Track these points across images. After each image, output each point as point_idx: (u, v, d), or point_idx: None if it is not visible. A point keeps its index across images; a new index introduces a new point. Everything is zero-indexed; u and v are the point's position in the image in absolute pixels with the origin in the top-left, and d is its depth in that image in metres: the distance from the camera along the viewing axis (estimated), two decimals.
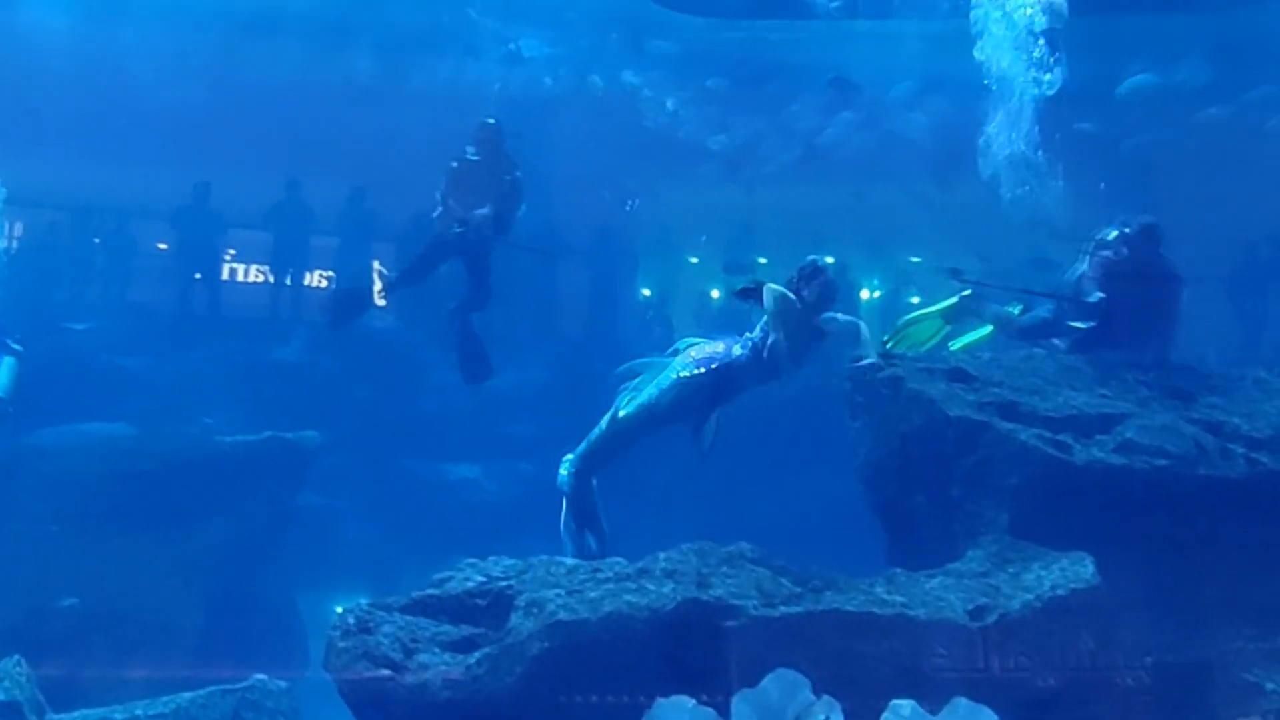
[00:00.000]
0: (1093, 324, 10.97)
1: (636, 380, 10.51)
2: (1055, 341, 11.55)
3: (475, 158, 14.08)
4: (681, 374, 10.27)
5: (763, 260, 22.29)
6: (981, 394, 9.98)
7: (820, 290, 10.17)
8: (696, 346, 10.44)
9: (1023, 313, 11.97)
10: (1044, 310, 11.68)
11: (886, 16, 18.93)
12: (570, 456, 10.74)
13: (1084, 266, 11.33)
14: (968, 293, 12.09)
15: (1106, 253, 11.09)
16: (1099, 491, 9.24)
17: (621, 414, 10.47)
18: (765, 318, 10.13)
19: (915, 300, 21.99)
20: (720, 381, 10.25)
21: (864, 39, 19.75)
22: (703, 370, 10.22)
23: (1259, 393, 10.32)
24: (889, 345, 11.97)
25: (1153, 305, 11.00)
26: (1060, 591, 8.29)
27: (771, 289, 10.05)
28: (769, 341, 10.07)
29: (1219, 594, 9.14)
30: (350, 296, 15.90)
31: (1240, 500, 9.31)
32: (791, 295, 10.07)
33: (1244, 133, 19.70)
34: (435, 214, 14.18)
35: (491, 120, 14.25)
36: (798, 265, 10.37)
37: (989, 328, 12.02)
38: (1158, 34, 19.47)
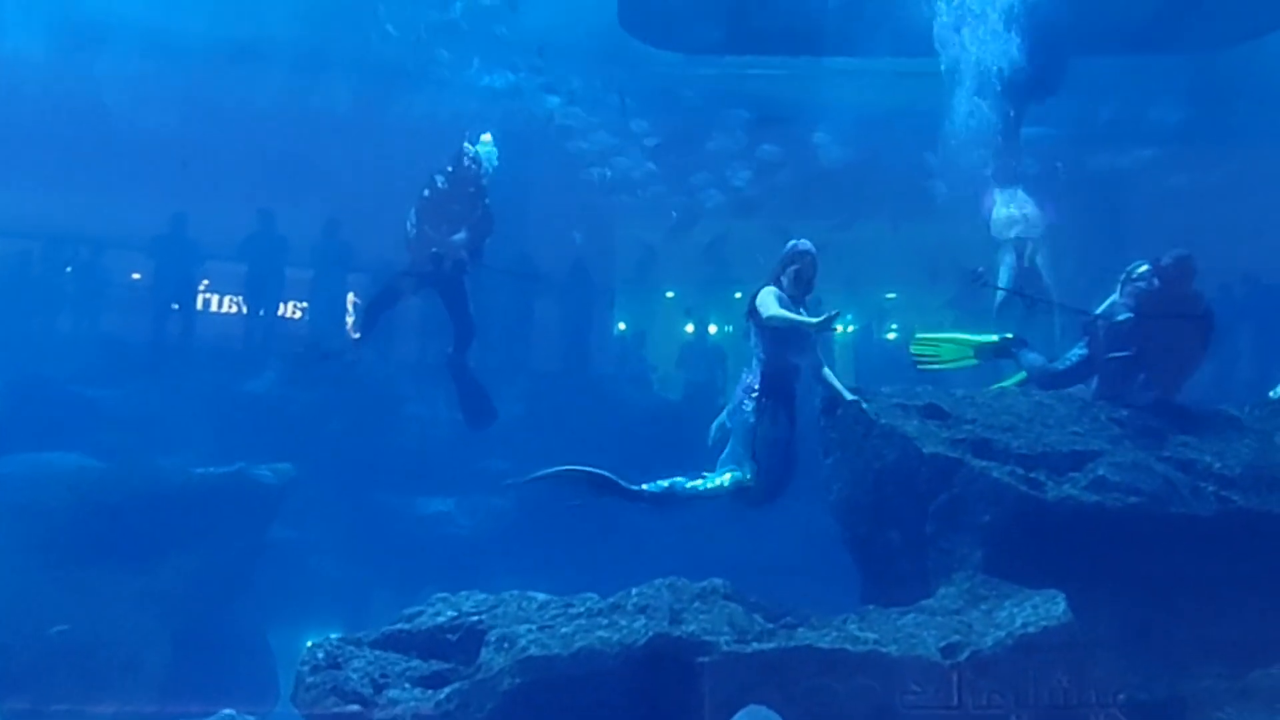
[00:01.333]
0: (1127, 353, 10.91)
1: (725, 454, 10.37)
2: (1081, 388, 11.55)
3: (449, 186, 14.03)
4: (750, 419, 10.20)
5: (738, 294, 22.34)
6: (955, 431, 10.01)
7: (794, 276, 10.23)
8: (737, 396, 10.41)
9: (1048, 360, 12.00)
10: (1074, 355, 11.64)
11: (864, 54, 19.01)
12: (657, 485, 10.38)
13: (1116, 297, 11.29)
14: (1010, 335, 12.14)
15: (1139, 284, 11.06)
16: (1071, 529, 9.28)
17: (728, 481, 10.22)
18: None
19: (891, 335, 22.08)
20: (776, 394, 10.22)
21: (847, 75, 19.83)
22: (755, 397, 10.19)
23: (1230, 431, 10.37)
24: (912, 348, 12.15)
25: (1184, 338, 10.96)
26: (1032, 629, 8.30)
27: (761, 298, 10.11)
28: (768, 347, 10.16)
29: (1191, 631, 9.18)
30: (325, 352, 15.73)
31: (1211, 538, 9.35)
32: (772, 294, 10.10)
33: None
34: (409, 238, 14.05)
35: (471, 148, 14.23)
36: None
37: (1023, 374, 11.99)
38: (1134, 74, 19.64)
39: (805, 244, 10.39)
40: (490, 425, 15.25)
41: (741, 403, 10.23)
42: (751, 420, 10.12)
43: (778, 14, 18.53)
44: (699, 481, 10.24)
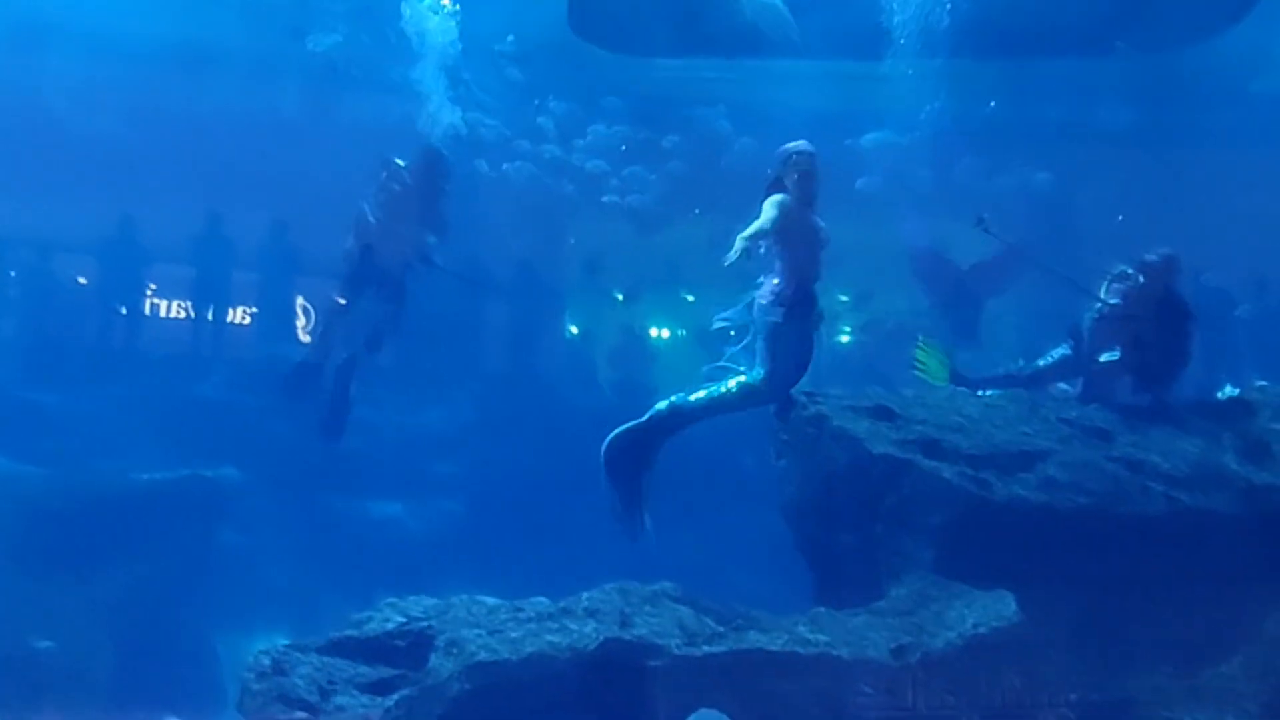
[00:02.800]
0: (1115, 353, 10.99)
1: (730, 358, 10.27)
2: (1063, 386, 11.58)
3: (411, 181, 13.83)
4: (770, 319, 10.03)
5: (690, 298, 22.35)
6: (905, 432, 10.00)
7: (799, 180, 10.03)
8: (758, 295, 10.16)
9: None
10: (1057, 353, 11.71)
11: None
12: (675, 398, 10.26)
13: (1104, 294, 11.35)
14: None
15: (1125, 283, 11.14)
16: (1021, 529, 9.29)
17: (738, 386, 10.12)
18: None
19: (844, 338, 22.05)
20: (798, 304, 10.06)
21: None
22: (780, 309, 10.00)
23: (1177, 431, 10.41)
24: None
25: (1172, 335, 11.03)
26: (982, 629, 8.34)
27: (768, 204, 9.89)
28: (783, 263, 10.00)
29: (1140, 631, 9.22)
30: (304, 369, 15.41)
31: (1159, 537, 9.39)
32: (773, 202, 9.87)
33: None
34: (366, 226, 13.80)
35: (436, 149, 14.11)
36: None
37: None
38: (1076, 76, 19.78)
39: (800, 144, 10.18)
40: (335, 443, 14.94)
41: (765, 307, 10.04)
42: (778, 322, 9.97)
43: (726, 18, 18.58)
44: (702, 393, 10.19)
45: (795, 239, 9.98)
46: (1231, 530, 9.44)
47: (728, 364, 10.31)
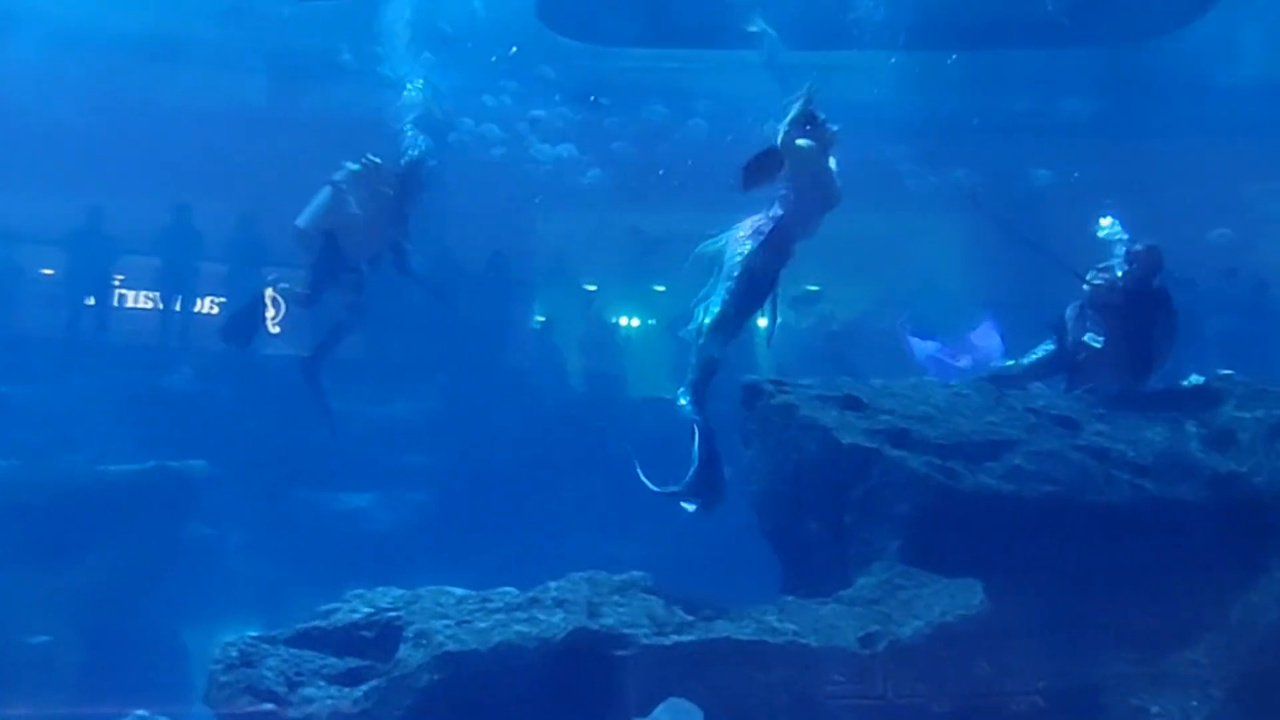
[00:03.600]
0: (1100, 342, 11.10)
1: (703, 293, 10.19)
2: (1039, 386, 11.65)
3: (393, 178, 13.79)
4: (741, 252, 10.01)
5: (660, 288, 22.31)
6: (873, 421, 10.04)
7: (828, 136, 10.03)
8: (739, 227, 10.15)
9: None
10: (1041, 350, 11.80)
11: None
12: (683, 390, 10.08)
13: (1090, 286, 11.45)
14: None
15: (1108, 274, 11.26)
16: (988, 518, 9.35)
17: (708, 322, 10.01)
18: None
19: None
20: (779, 245, 10.06)
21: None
22: (760, 239, 10.00)
23: (1143, 420, 10.48)
24: None
25: (1155, 324, 11.17)
26: (949, 618, 8.38)
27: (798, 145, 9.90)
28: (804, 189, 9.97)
29: (1106, 619, 9.28)
30: (246, 316, 15.33)
31: (1125, 526, 9.46)
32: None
33: None
34: (349, 217, 13.73)
35: (421, 157, 14.06)
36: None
37: None
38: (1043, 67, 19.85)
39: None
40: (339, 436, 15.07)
41: (747, 241, 10.03)
42: (739, 259, 9.98)
43: (695, 8, 18.58)
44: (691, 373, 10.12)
45: (807, 184, 10.00)
46: (1196, 518, 9.51)
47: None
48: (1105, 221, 11.67)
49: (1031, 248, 12.51)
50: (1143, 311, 11.11)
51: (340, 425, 15.30)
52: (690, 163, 18.31)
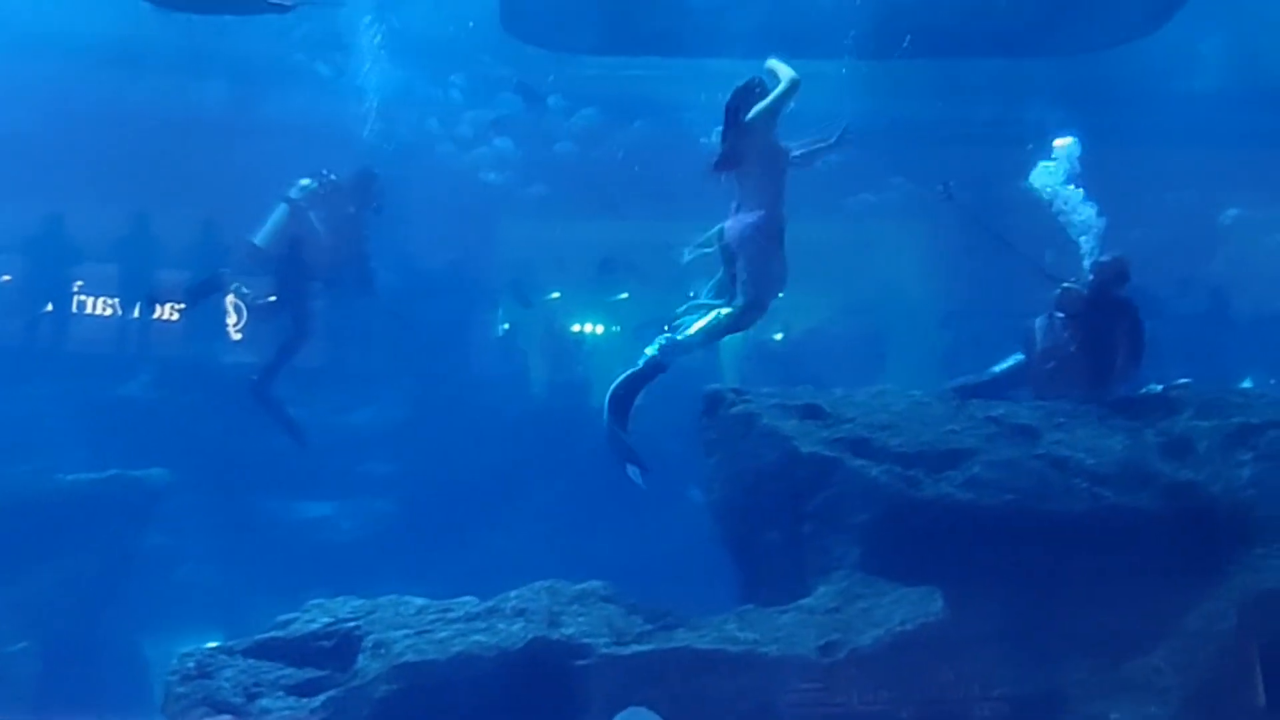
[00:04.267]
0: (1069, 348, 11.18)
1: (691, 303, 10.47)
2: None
3: (348, 200, 13.79)
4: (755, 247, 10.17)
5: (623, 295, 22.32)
6: (834, 430, 10.06)
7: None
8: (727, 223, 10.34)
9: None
10: (1010, 361, 11.85)
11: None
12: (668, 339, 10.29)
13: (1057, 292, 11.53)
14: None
15: (1075, 285, 11.33)
16: (948, 526, 9.36)
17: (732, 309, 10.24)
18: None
19: (778, 336, 22.03)
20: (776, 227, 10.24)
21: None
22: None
23: (1102, 429, 10.52)
24: None
25: (1120, 334, 11.21)
26: (909, 626, 8.40)
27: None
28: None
29: (1065, 626, 9.29)
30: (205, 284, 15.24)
31: (1084, 534, 9.48)
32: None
33: None
34: (314, 235, 13.70)
35: (371, 169, 14.05)
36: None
37: None
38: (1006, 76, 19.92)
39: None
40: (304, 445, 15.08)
41: (749, 237, 10.15)
42: (763, 246, 10.14)
43: (659, 16, 18.59)
44: (693, 330, 10.25)
45: (774, 166, 10.17)
46: (1154, 526, 9.54)
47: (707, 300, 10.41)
48: (1059, 143, 11.76)
49: (1004, 244, 12.56)
50: (1108, 321, 11.18)
51: (305, 436, 15.26)
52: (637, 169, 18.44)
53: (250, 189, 14.73)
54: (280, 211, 13.70)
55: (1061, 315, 11.37)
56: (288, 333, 14.14)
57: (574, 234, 21.87)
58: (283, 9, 12.79)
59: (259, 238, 13.70)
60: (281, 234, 13.63)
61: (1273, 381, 16.48)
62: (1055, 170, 11.89)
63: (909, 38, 17.64)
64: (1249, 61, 19.78)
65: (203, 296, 14.48)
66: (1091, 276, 11.31)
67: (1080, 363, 11.16)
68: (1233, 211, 21.68)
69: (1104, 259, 11.33)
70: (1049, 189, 11.82)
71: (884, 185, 20.52)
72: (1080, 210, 11.73)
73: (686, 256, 10.55)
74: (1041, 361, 11.47)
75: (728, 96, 10.26)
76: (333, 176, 13.84)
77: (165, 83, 20.18)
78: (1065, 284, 11.41)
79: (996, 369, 11.96)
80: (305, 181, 13.72)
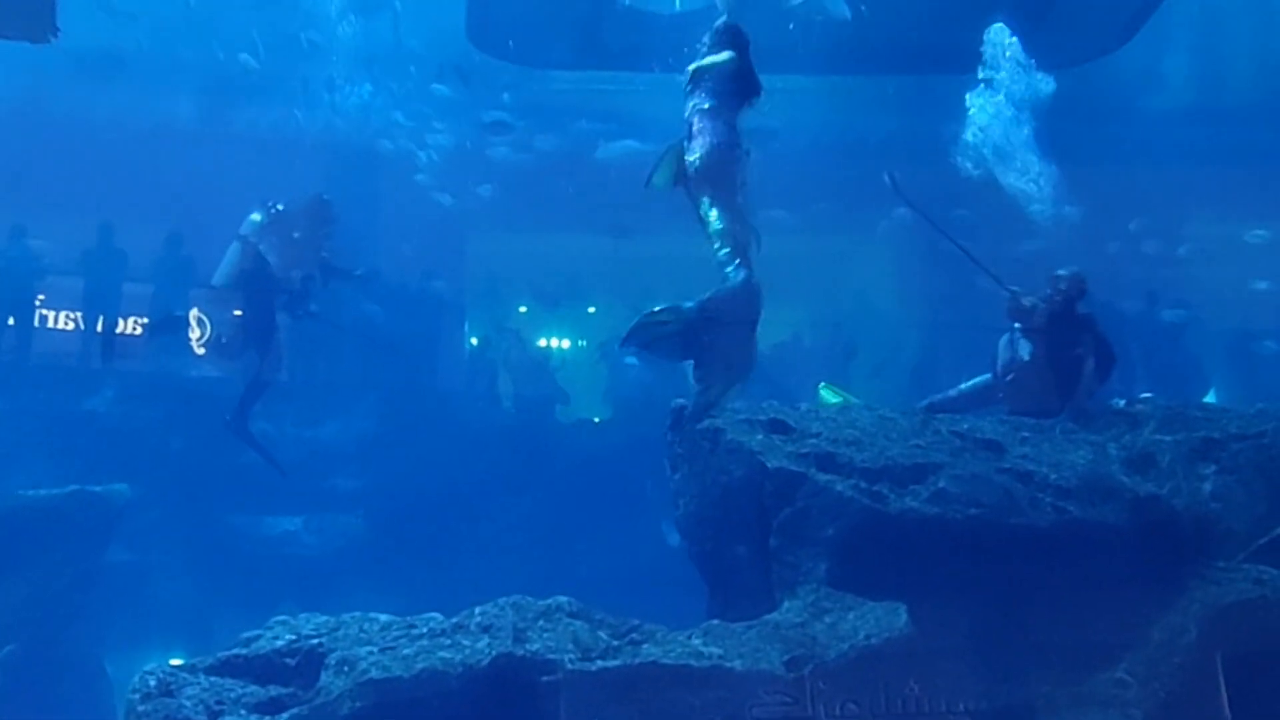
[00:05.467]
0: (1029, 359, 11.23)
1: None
2: None
3: (295, 228, 13.96)
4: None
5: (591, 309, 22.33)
6: (800, 445, 10.04)
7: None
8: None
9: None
10: (978, 379, 11.91)
11: None
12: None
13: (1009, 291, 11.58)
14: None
15: (1020, 291, 11.41)
16: (913, 541, 9.36)
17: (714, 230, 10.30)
18: None
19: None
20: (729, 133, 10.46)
21: None
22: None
23: (1066, 443, 10.58)
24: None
25: (1081, 349, 11.27)
26: (874, 640, 8.40)
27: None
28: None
29: (1030, 639, 9.31)
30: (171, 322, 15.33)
31: (1049, 548, 9.50)
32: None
33: None
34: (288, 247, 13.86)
35: (323, 196, 14.23)
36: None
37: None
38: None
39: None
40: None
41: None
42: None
43: (623, 31, 18.64)
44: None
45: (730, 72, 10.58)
46: (1118, 540, 9.58)
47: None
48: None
49: (956, 246, 12.62)
50: (1069, 336, 11.24)
51: (282, 462, 15.29)
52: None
53: (216, 202, 14.74)
54: (233, 250, 14.00)
55: (1018, 328, 11.44)
56: (255, 367, 14.28)
57: (541, 248, 21.91)
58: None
59: (215, 278, 13.99)
60: (237, 271, 13.88)
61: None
62: None
63: (874, 55, 17.71)
64: (1211, 79, 20.00)
65: (166, 334, 14.66)
66: (1049, 291, 11.37)
67: (1042, 377, 11.22)
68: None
69: (1061, 273, 11.39)
70: None
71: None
72: None
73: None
74: (1003, 375, 11.55)
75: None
76: (279, 207, 14.07)
77: (133, 93, 20.12)
78: (1012, 289, 11.49)
79: (962, 387, 12.03)
80: (255, 216, 13.98)
